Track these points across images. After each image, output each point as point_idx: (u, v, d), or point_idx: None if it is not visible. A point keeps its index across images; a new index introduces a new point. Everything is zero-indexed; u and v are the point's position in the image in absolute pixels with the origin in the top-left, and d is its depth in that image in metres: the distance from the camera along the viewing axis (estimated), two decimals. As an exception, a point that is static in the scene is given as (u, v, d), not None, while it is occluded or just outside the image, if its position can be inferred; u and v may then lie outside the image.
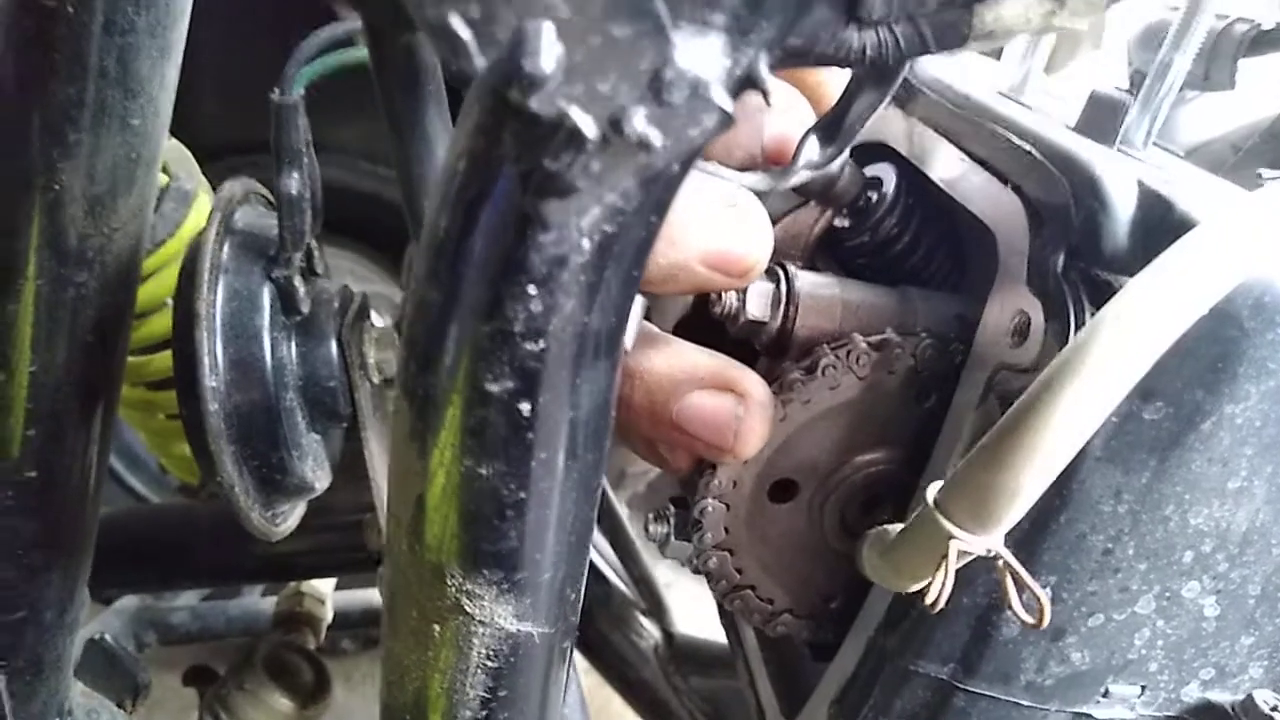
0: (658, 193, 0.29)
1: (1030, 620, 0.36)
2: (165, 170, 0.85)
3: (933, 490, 0.37)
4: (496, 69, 0.25)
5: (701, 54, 0.27)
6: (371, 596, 1.26)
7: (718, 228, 0.44)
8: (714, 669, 1.03)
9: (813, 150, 0.46)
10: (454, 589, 0.35)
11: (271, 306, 0.53)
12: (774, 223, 0.59)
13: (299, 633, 1.02)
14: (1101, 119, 0.51)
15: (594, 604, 1.07)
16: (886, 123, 0.60)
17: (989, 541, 0.35)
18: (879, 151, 0.60)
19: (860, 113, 0.45)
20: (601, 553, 1.15)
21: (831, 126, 0.46)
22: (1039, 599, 0.36)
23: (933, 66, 0.60)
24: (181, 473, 1.14)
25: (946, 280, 0.59)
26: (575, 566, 0.37)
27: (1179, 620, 0.48)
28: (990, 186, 0.50)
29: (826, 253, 0.62)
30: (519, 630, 0.36)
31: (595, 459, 0.35)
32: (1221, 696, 0.51)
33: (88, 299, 0.51)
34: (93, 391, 0.57)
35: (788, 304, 0.52)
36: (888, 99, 0.45)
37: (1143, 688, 0.50)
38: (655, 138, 0.27)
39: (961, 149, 0.53)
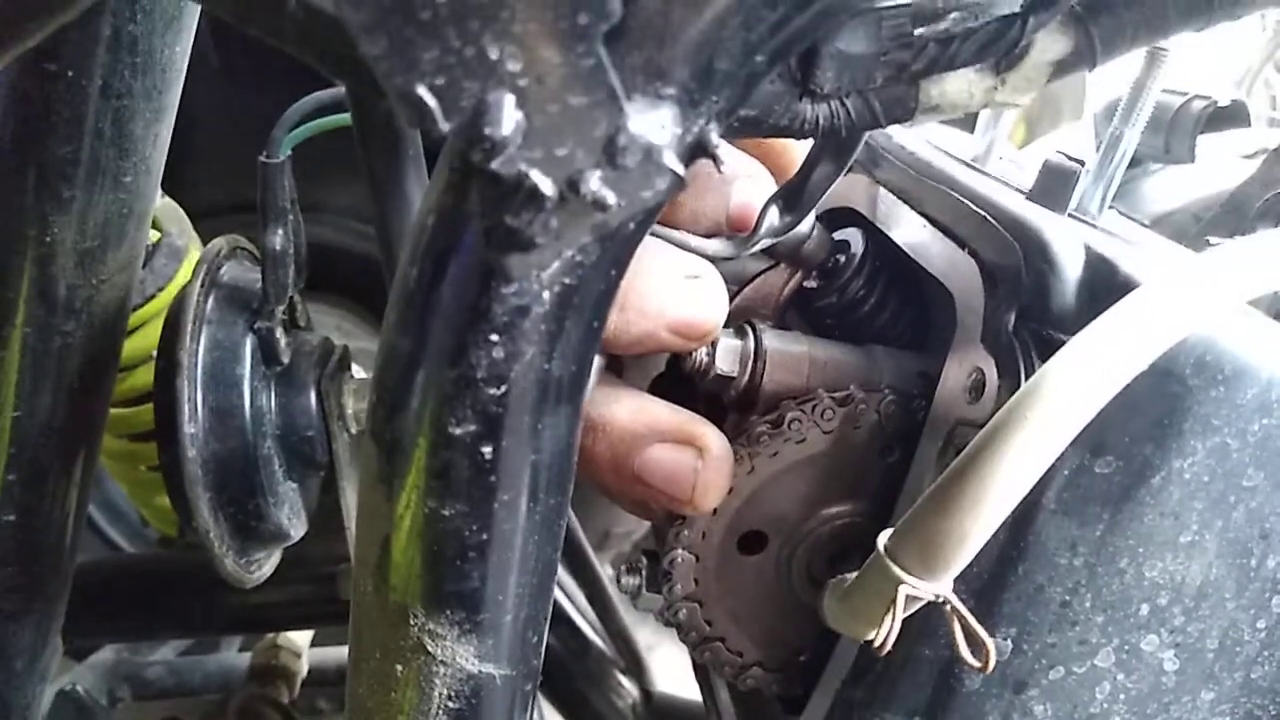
0: (615, 249, 0.31)
1: (976, 664, 0.37)
2: (157, 226, 0.87)
3: (884, 538, 0.38)
4: (461, 134, 0.27)
5: (653, 122, 0.29)
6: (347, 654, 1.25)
7: (682, 299, 0.48)
8: (693, 729, 1.03)
9: (774, 218, 0.49)
10: (417, 629, 0.36)
11: (253, 357, 0.54)
12: (745, 283, 0.62)
13: (273, 686, 1.01)
14: (1054, 186, 0.53)
15: (572, 661, 1.06)
16: (853, 188, 0.62)
17: (938, 587, 0.36)
18: (847, 216, 0.63)
19: (819, 182, 0.47)
20: (581, 611, 1.15)
21: (792, 195, 0.49)
22: (984, 643, 0.37)
23: (898, 135, 0.63)
24: (162, 525, 1.14)
25: (911, 340, 0.61)
26: (538, 608, 0.38)
27: (1139, 674, 0.49)
28: (948, 250, 0.52)
29: (796, 312, 0.64)
30: (480, 671, 0.37)
31: (557, 503, 0.36)
32: (1185, 752, 0.52)
33: (74, 348, 0.53)
34: (75, 439, 0.58)
35: (755, 360, 0.54)
36: (845, 169, 0.48)
37: (1105, 741, 0.50)
38: (610, 198, 0.29)
39: (923, 214, 0.56)
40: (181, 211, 0.89)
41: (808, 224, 0.57)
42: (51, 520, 0.61)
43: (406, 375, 0.33)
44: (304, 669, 1.08)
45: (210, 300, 0.53)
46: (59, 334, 0.51)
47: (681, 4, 0.27)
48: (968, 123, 0.75)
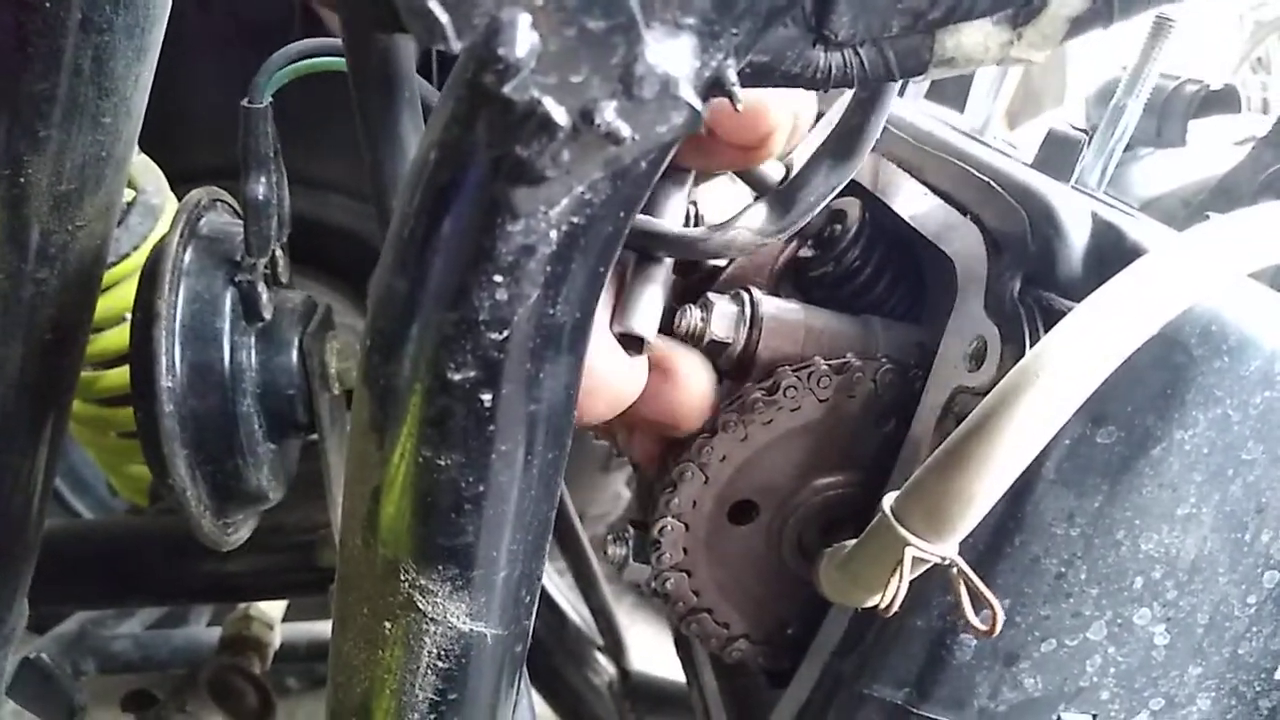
0: (626, 188, 0.30)
1: (983, 628, 0.36)
2: (132, 184, 0.85)
3: (889, 499, 0.37)
4: (472, 54, 0.26)
5: (672, 53, 0.28)
6: (319, 629, 1.23)
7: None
8: (670, 707, 1.02)
9: (757, 219, 0.48)
10: (407, 584, 0.34)
11: (233, 311, 0.53)
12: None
13: (245, 657, 0.99)
14: (1058, 156, 0.53)
15: (550, 638, 1.05)
16: (852, 156, 0.61)
17: (944, 550, 0.36)
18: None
19: (816, 190, 0.47)
20: (559, 587, 1.14)
21: (784, 199, 0.48)
22: (993, 608, 0.36)
23: (896, 105, 0.62)
24: (133, 494, 1.11)
25: (908, 313, 0.60)
26: (531, 567, 0.36)
27: (1130, 648, 0.49)
28: (950, 217, 0.51)
29: (790, 282, 0.63)
30: (471, 630, 0.35)
31: (555, 457, 0.35)
32: (1172, 728, 0.52)
33: (47, 297, 0.51)
34: (45, 394, 0.56)
35: (751, 326, 0.53)
36: (848, 178, 0.47)
37: (1093, 716, 0.50)
38: (625, 131, 0.27)
39: (923, 182, 0.55)
40: (157, 169, 0.87)
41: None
42: (20, 479, 0.58)
43: (403, 318, 0.31)
44: (276, 641, 1.06)
45: (189, 251, 0.52)
46: (31, 281, 0.49)
47: (705, -74, 0.26)
48: (959, 101, 0.75)
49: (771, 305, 0.54)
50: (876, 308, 0.59)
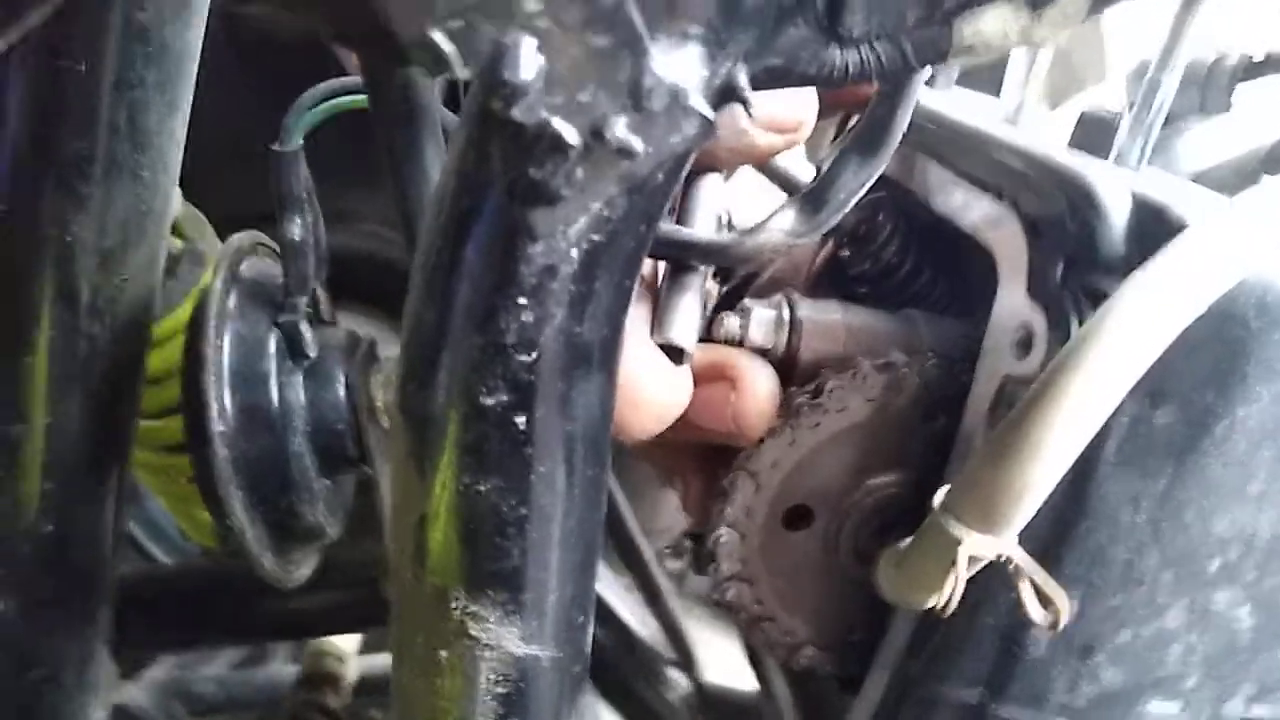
0: (643, 202, 0.30)
1: (1046, 621, 0.35)
2: (180, 234, 0.87)
3: (940, 495, 0.36)
4: (479, 80, 0.26)
5: (679, 63, 0.28)
6: (395, 659, 1.24)
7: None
8: (745, 717, 1.01)
9: (787, 221, 0.48)
10: (458, 612, 0.34)
11: (278, 352, 0.54)
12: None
13: (321, 691, 1.01)
14: (1093, 138, 0.51)
15: (619, 655, 1.05)
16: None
17: (1000, 544, 0.35)
18: (877, 180, 0.61)
19: (848, 185, 0.46)
20: (627, 603, 1.14)
21: (815, 198, 0.47)
22: (1054, 600, 0.35)
23: (924, 95, 0.61)
24: (202, 538, 1.13)
25: (950, 305, 0.59)
26: (582, 587, 0.36)
27: (1212, 633, 0.47)
28: (985, 204, 0.50)
29: (829, 283, 0.62)
30: (526, 654, 0.35)
31: (596, 474, 0.35)
32: (1269, 712, 0.50)
33: (100, 351, 0.52)
34: (108, 444, 0.57)
35: (791, 330, 0.53)
36: (879, 170, 0.47)
37: (1182, 705, 0.48)
38: (637, 145, 0.27)
39: (956, 170, 0.54)
40: (203, 218, 0.89)
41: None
42: (90, 529, 0.60)
43: (434, 346, 0.31)
44: (351, 674, 1.08)
45: (232, 296, 0.53)
46: (84, 337, 0.51)
47: (703, -67, 0.26)
48: (993, 87, 0.73)
49: (809, 307, 0.54)
50: (919, 302, 0.58)
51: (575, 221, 0.29)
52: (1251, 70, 0.85)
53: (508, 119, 0.26)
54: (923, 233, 0.58)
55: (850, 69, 0.36)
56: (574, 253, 0.29)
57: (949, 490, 0.36)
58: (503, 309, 0.30)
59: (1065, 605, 0.35)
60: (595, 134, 0.27)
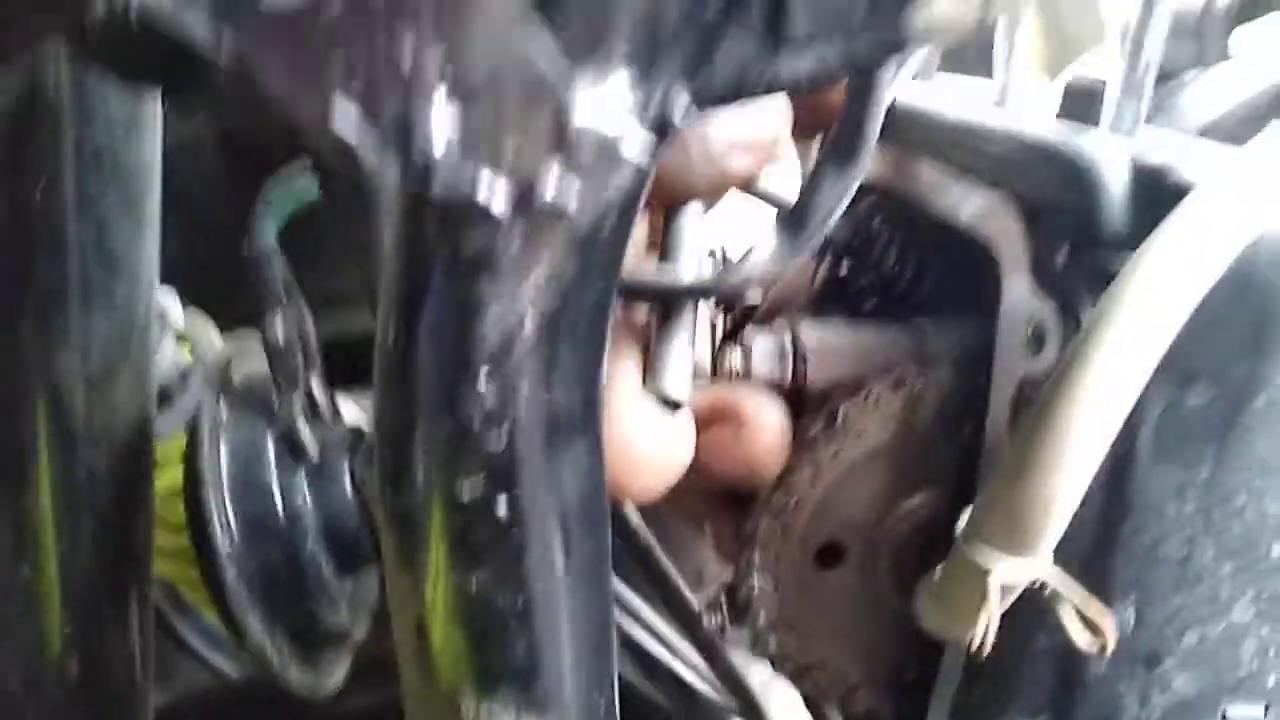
0: (593, 255, 0.28)
1: (1093, 646, 0.32)
2: (188, 345, 0.87)
3: (963, 519, 0.34)
4: (390, 163, 0.25)
5: (605, 99, 0.26)
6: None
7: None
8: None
9: (771, 246, 0.46)
10: (472, 714, 0.32)
11: (278, 458, 0.52)
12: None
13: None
14: (1080, 108, 0.49)
15: (680, 714, 1.02)
16: (866, 159, 0.58)
17: (1035, 565, 0.32)
18: (865, 188, 0.59)
19: (828, 198, 0.45)
20: (684, 658, 1.10)
21: (796, 217, 0.46)
22: (1095, 621, 0.32)
23: (901, 92, 0.59)
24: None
25: (962, 308, 0.56)
26: (599, 668, 0.34)
27: (1287, 623, 0.43)
28: (979, 196, 0.48)
29: (833, 302, 0.60)
30: (549, 747, 0.33)
31: (596, 549, 0.32)
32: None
33: (101, 479, 0.51)
34: (123, 570, 0.56)
35: (795, 357, 0.50)
36: (858, 177, 0.45)
37: (1266, 706, 0.45)
38: (569, 202, 0.26)
39: (947, 165, 0.52)
40: (208, 326, 0.89)
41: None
42: (119, 660, 0.59)
43: (402, 437, 0.30)
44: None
45: (223, 407, 0.52)
46: (84, 467, 0.50)
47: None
48: (982, 68, 0.71)
49: (814, 330, 0.52)
50: (928, 309, 0.56)
51: (523, 287, 0.27)
52: (1246, 11, 0.82)
53: (425, 197, 0.24)
54: (923, 236, 0.55)
55: (805, 74, 0.34)
56: (528, 319, 0.28)
57: (972, 513, 0.34)
58: (464, 389, 0.28)
59: (1112, 627, 0.32)
60: (522, 199, 0.25)
